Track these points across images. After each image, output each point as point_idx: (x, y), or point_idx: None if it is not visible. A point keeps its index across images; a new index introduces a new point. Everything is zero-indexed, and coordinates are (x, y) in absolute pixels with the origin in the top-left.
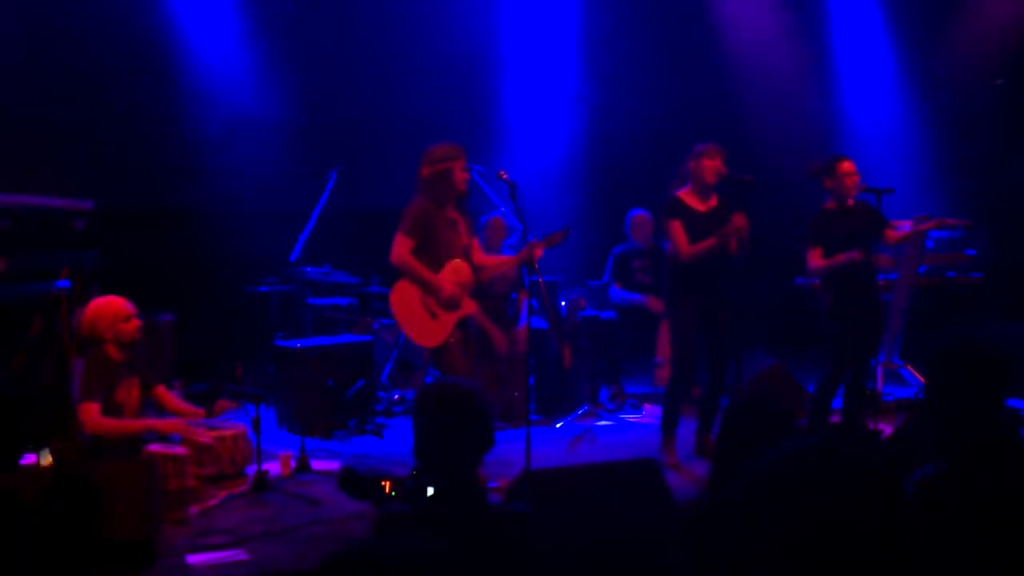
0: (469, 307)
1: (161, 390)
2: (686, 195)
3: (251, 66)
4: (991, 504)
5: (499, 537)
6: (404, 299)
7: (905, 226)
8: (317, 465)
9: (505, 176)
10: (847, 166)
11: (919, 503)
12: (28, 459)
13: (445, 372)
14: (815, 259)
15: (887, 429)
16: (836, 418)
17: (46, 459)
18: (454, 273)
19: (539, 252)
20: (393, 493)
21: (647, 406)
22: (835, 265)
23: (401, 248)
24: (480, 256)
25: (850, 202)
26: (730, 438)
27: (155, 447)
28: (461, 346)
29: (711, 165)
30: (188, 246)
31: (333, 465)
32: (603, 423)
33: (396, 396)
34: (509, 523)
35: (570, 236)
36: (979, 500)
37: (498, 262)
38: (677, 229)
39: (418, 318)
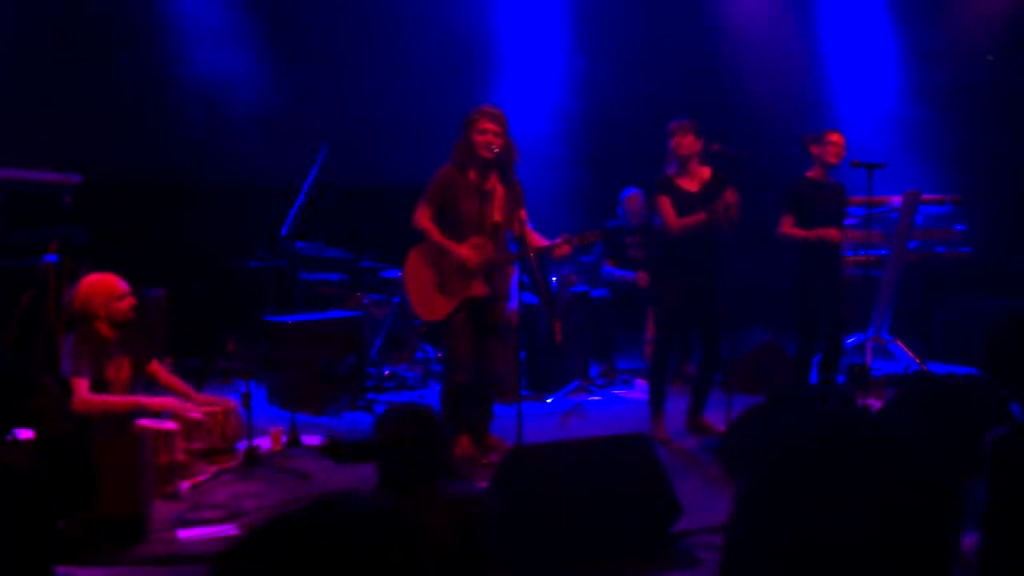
0: (479, 288)
1: (155, 366)
2: (677, 175)
3: (242, 40)
4: None
5: (450, 520)
6: (416, 268)
7: (895, 202)
8: (308, 440)
9: (496, 151)
10: (835, 137)
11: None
12: (20, 433)
13: (444, 349)
14: (786, 225)
15: (876, 404)
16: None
17: None
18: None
19: (567, 249)
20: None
21: (638, 382)
22: (807, 238)
23: (420, 215)
24: (517, 227)
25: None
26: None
27: (145, 422)
28: (464, 326)
29: (681, 141)
30: (179, 221)
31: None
32: (594, 398)
33: (387, 372)
34: (461, 506)
35: (563, 225)
36: None
37: (537, 242)
38: (665, 204)
39: (426, 289)
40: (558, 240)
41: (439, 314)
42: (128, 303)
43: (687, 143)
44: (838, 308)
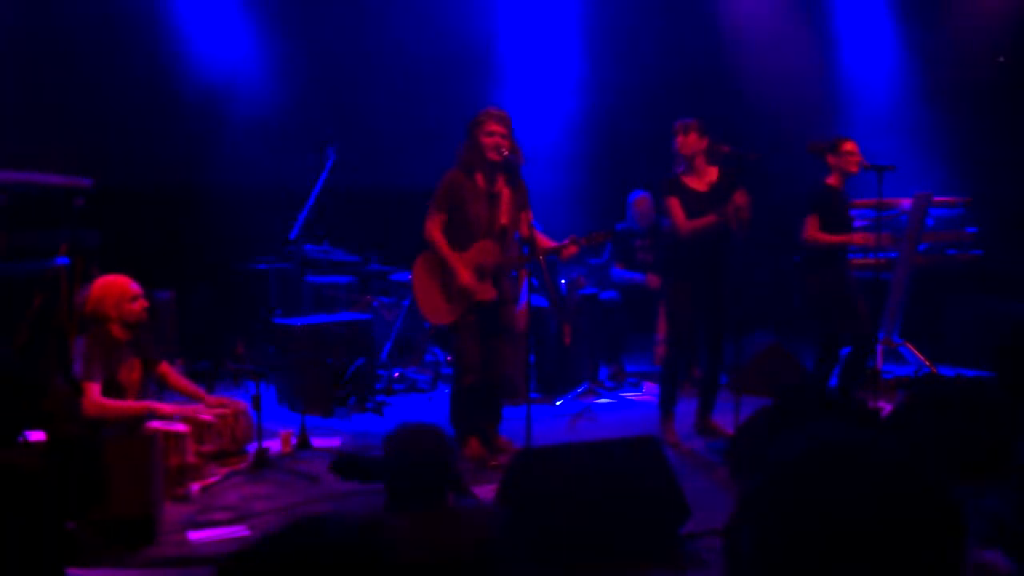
0: (487, 292)
1: (165, 367)
2: (685, 175)
3: (250, 43)
4: None
5: (460, 537)
6: (425, 273)
7: (905, 204)
8: (317, 442)
9: (506, 153)
10: (851, 146)
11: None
12: (31, 435)
13: (453, 353)
14: (813, 228)
15: (887, 407)
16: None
17: None
18: (480, 255)
19: (575, 249)
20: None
21: (647, 384)
22: (836, 243)
23: (432, 224)
24: (525, 229)
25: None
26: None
27: (155, 424)
28: (472, 330)
29: (686, 140)
30: (188, 224)
31: (334, 442)
32: (603, 401)
33: (396, 374)
34: (471, 522)
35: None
36: None
37: (544, 244)
38: (675, 206)
39: (434, 294)
40: (565, 241)
41: (447, 318)
42: (140, 304)
43: (691, 141)
44: (863, 310)
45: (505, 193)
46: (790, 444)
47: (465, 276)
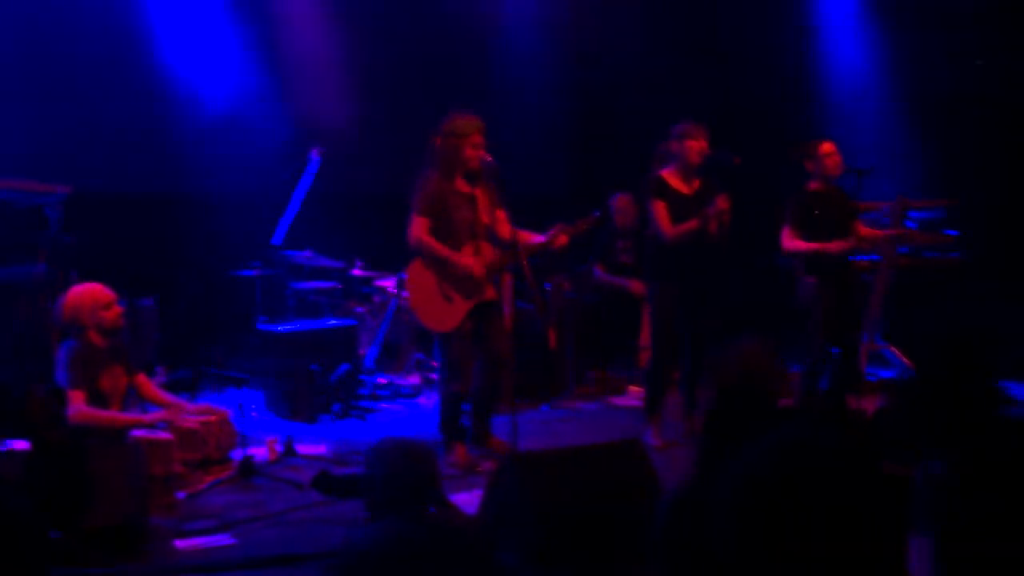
0: (490, 292)
1: (142, 379)
2: (670, 176)
3: (231, 48)
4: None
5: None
6: (420, 280)
7: (884, 208)
8: (302, 449)
9: (489, 159)
10: (827, 147)
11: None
12: (15, 444)
13: (444, 358)
14: (789, 239)
15: (870, 409)
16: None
17: None
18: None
19: (565, 239)
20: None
21: (631, 388)
22: (816, 251)
23: (418, 229)
24: (506, 229)
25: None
26: (715, 423)
27: (140, 432)
28: (467, 336)
29: (695, 146)
30: (170, 230)
31: (319, 449)
32: (588, 405)
33: (381, 380)
34: (452, 534)
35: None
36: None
37: (532, 241)
38: (661, 210)
39: (433, 301)
40: (552, 232)
41: (451, 324)
42: (116, 311)
43: (699, 147)
44: (857, 314)
45: (479, 193)
46: (756, 450)
47: (477, 267)
